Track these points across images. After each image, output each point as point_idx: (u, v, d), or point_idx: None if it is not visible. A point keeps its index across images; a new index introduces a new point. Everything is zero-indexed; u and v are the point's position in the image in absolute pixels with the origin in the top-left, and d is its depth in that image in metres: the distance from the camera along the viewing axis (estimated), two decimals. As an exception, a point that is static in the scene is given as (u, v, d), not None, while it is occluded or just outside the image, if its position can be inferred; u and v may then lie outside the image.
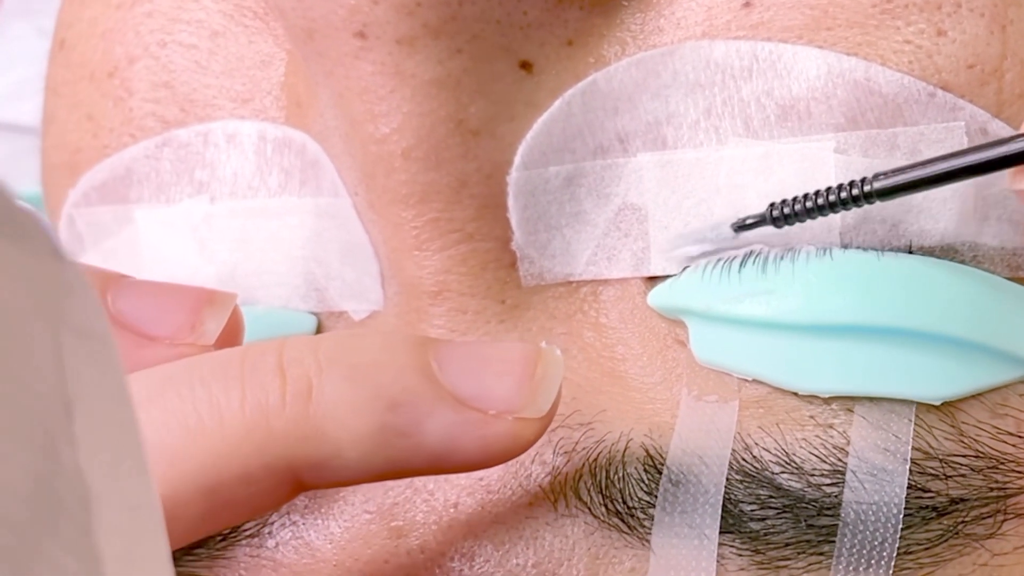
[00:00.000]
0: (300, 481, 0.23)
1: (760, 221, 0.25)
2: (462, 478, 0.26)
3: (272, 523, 0.27)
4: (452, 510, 0.26)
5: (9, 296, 0.13)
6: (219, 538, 0.28)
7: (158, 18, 0.30)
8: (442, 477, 0.26)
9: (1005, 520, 0.25)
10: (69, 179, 0.32)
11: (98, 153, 0.31)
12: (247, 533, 0.27)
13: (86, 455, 0.14)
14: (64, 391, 0.14)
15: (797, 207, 0.25)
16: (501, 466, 0.26)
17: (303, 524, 0.27)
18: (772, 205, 0.25)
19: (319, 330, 0.29)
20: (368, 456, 0.23)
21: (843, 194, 0.25)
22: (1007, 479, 0.25)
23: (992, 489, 0.25)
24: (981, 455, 0.25)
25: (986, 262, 0.26)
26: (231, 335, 0.26)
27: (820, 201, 0.25)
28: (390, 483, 0.26)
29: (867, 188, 0.25)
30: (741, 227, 0.26)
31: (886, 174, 0.25)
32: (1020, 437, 0.25)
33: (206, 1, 0.30)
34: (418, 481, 0.26)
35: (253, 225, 0.29)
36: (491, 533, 0.26)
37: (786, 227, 0.25)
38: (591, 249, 0.27)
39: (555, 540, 0.25)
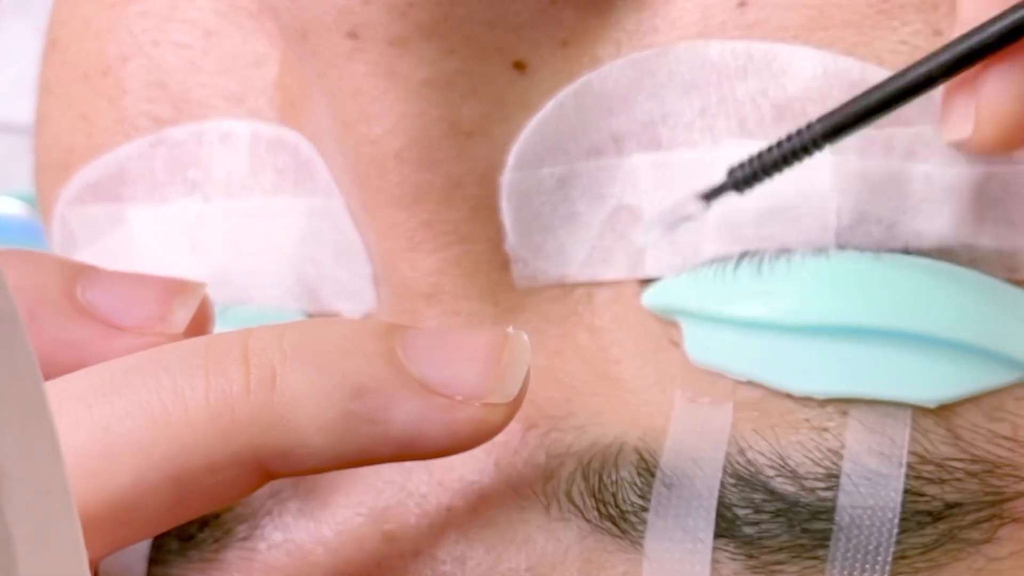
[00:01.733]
0: (267, 470, 0.23)
1: (723, 187, 0.25)
2: (455, 482, 0.26)
3: (264, 526, 0.27)
4: (444, 513, 0.26)
5: None
6: (212, 540, 0.27)
7: (152, 17, 0.30)
8: (435, 480, 0.26)
9: (1001, 525, 0.25)
10: (62, 178, 0.31)
11: (92, 152, 0.31)
12: (240, 536, 0.27)
13: None
14: None
15: (755, 165, 0.25)
16: (494, 469, 0.26)
17: (294, 527, 0.27)
18: (730, 169, 0.25)
19: None
20: (334, 444, 0.23)
21: (793, 142, 0.24)
22: (1003, 483, 0.25)
23: (988, 494, 0.25)
24: (977, 459, 0.25)
25: (983, 264, 0.26)
26: (200, 325, 0.26)
27: (775, 155, 0.25)
28: (381, 486, 0.26)
29: (813, 132, 0.24)
30: (707, 196, 0.25)
31: (830, 114, 0.24)
32: (1016, 441, 0.25)
33: (200, 0, 0.30)
34: (411, 484, 0.26)
35: (247, 225, 0.29)
36: (484, 536, 0.26)
37: (747, 190, 0.25)
38: (585, 250, 0.27)
39: (548, 543, 0.25)
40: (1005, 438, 0.25)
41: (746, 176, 0.25)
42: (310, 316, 0.29)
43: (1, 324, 0.14)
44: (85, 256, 0.31)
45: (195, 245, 0.30)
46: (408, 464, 0.26)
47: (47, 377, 0.24)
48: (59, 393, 0.23)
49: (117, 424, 0.22)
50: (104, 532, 0.22)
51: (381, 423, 0.23)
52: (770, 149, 0.25)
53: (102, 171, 0.31)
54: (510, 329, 0.24)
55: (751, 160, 0.25)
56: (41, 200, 0.33)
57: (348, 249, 0.28)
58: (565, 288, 0.27)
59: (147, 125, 0.30)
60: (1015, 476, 0.25)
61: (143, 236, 0.30)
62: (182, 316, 0.26)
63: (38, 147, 0.33)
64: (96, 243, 0.31)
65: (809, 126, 0.24)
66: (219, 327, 0.29)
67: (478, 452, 0.26)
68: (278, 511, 0.27)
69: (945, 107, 0.24)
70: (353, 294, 0.28)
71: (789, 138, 0.24)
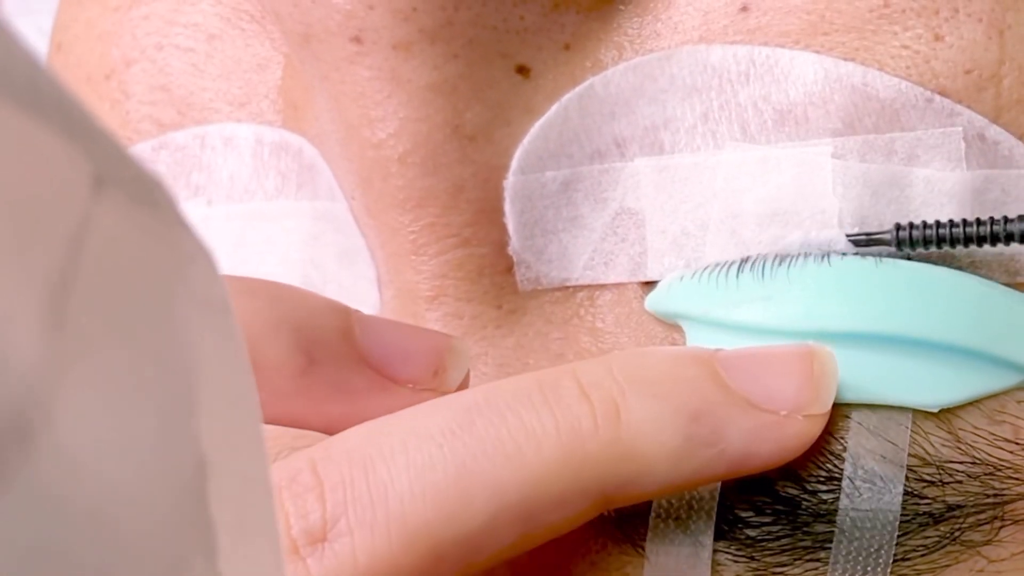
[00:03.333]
0: (607, 499, 0.24)
1: (881, 240, 0.25)
2: None
3: None
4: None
5: (134, 261, 0.13)
6: None
7: (155, 21, 0.30)
8: None
9: (1003, 527, 0.25)
10: None
11: None
12: None
13: (205, 423, 0.14)
14: (184, 358, 0.13)
15: (928, 232, 0.25)
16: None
17: None
18: (898, 227, 0.25)
19: None
20: (676, 469, 0.23)
21: (978, 228, 0.25)
22: (1004, 486, 0.25)
23: (989, 496, 0.25)
24: (978, 461, 0.25)
25: (984, 268, 0.26)
26: (466, 379, 0.26)
27: (951, 231, 0.25)
28: None
29: (1008, 228, 0.24)
30: (860, 242, 0.25)
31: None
32: (1018, 444, 0.25)
33: (203, 4, 0.30)
34: None
35: (250, 228, 0.29)
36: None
37: (907, 250, 0.25)
38: (588, 254, 0.27)
39: (551, 545, 0.25)
40: (1007, 440, 0.25)
41: (912, 240, 0.25)
42: None
43: (213, 315, 0.14)
44: None
45: None
46: None
47: (307, 421, 0.25)
48: (406, 431, 0.23)
49: (472, 463, 0.23)
50: (450, 571, 0.23)
51: (717, 444, 0.23)
52: (948, 224, 0.25)
53: None
54: (811, 342, 0.25)
55: (922, 225, 0.25)
56: None
57: (351, 252, 0.28)
58: (568, 291, 0.27)
59: (150, 129, 0.30)
60: (1016, 478, 0.25)
61: None
62: (455, 376, 0.26)
63: None
64: None
65: (1006, 220, 0.24)
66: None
67: None
68: None
69: None
70: (357, 297, 0.29)
71: (978, 222, 0.25)
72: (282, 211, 0.29)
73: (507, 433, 0.23)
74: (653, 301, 0.27)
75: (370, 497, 0.23)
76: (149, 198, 0.13)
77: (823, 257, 0.25)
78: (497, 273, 0.27)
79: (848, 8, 0.26)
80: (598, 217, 0.27)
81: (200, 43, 0.30)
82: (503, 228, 0.27)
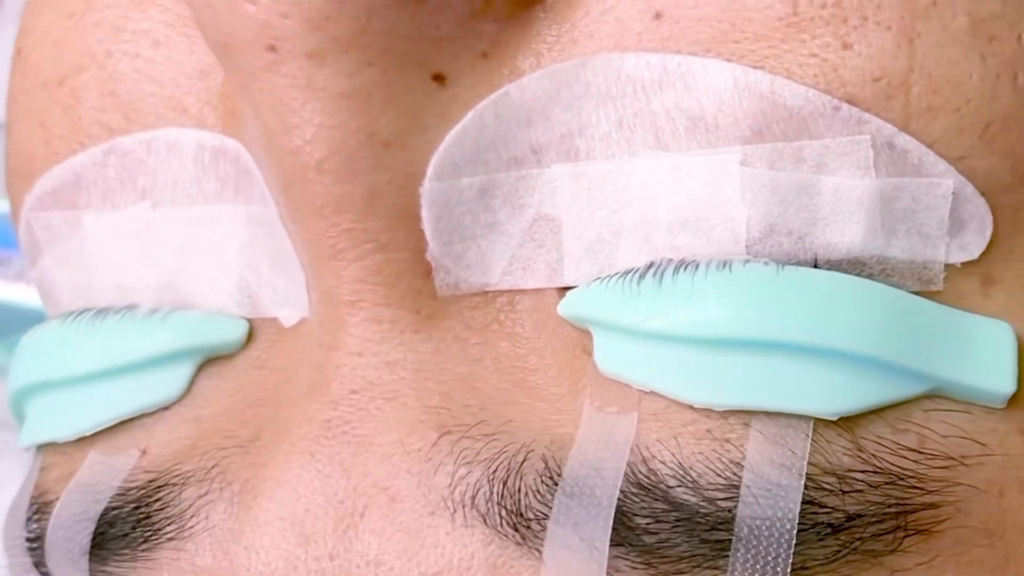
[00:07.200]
0: None
1: None
2: (370, 487, 0.26)
3: (192, 527, 0.28)
4: (359, 519, 0.26)
5: None
6: (142, 540, 0.28)
7: (105, 27, 0.31)
8: (351, 485, 0.27)
9: (906, 536, 0.25)
10: (26, 185, 0.32)
11: (50, 160, 0.32)
12: (168, 536, 0.28)
13: None
14: None
15: None
16: (407, 475, 0.26)
17: (219, 530, 0.27)
18: None
19: (251, 335, 0.30)
20: None
21: None
22: (907, 495, 0.25)
23: (891, 505, 0.25)
24: (880, 471, 0.25)
25: (896, 276, 0.26)
26: None
27: None
28: (302, 491, 0.27)
29: None
30: None
31: None
32: (922, 453, 0.25)
33: (151, 11, 0.31)
34: (328, 489, 0.27)
35: (192, 232, 0.30)
36: (396, 541, 0.26)
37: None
38: (507, 259, 0.27)
39: (455, 549, 0.26)
40: (911, 450, 0.25)
41: None
42: (250, 321, 0.30)
43: None
44: (47, 261, 0.32)
45: (144, 251, 0.30)
46: (326, 470, 0.27)
47: None
48: None
49: None
50: None
51: None
52: None
53: (59, 179, 0.31)
54: None
55: None
56: (12, 205, 0.34)
57: (283, 256, 0.29)
58: (488, 296, 0.28)
59: (100, 134, 0.31)
60: (920, 488, 0.25)
61: (97, 242, 0.31)
62: None
63: (6, 154, 0.34)
64: (56, 248, 0.32)
65: None
66: (160, 332, 0.30)
67: (394, 459, 0.26)
68: (205, 512, 0.28)
69: None
70: (289, 301, 0.29)
71: None
72: (221, 215, 0.29)
73: None
74: (565, 306, 0.27)
75: None
76: None
77: (724, 264, 0.25)
78: (416, 278, 0.27)
79: (758, 16, 0.25)
80: (516, 223, 0.27)
81: (146, 49, 0.31)
82: (421, 234, 0.27)
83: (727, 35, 0.26)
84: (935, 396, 0.25)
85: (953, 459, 0.25)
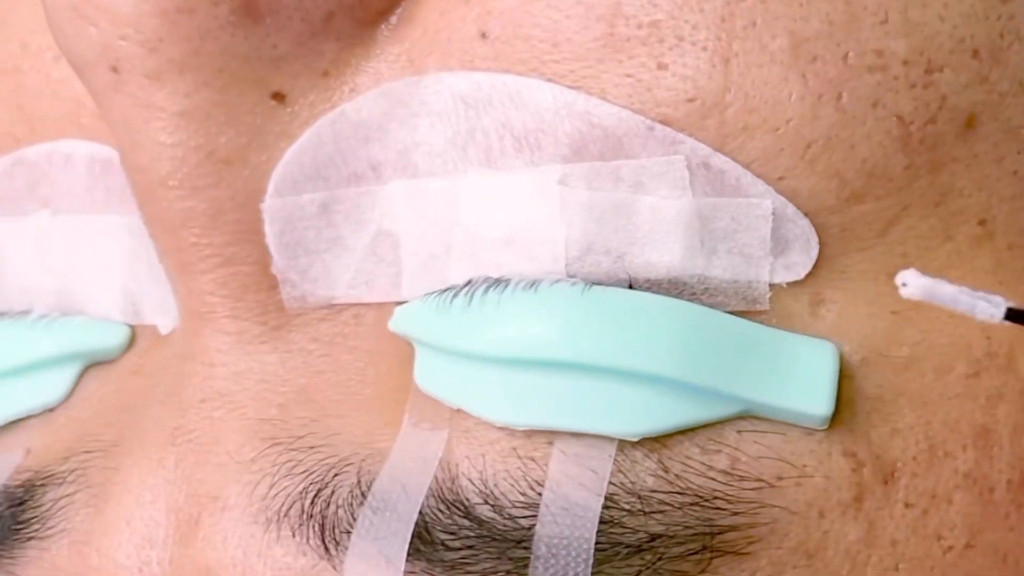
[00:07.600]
0: None
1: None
2: (203, 496, 0.27)
3: (52, 527, 0.29)
4: (195, 526, 0.27)
5: None
6: (13, 537, 0.29)
7: (14, 43, 0.32)
8: (190, 492, 0.27)
9: (715, 557, 0.25)
10: None
11: None
12: (31, 535, 0.29)
13: None
14: None
15: None
16: (238, 485, 0.27)
17: (76, 532, 0.29)
18: None
19: (132, 341, 0.31)
20: None
21: None
22: (713, 516, 0.25)
23: (696, 526, 0.25)
24: (686, 491, 0.25)
25: (719, 296, 0.26)
26: None
27: None
28: (148, 496, 0.28)
29: None
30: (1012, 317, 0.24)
31: None
32: (731, 474, 0.25)
33: None
34: (171, 495, 0.28)
35: (83, 240, 0.31)
36: (225, 549, 0.27)
37: None
38: (351, 273, 0.28)
39: (272, 560, 0.26)
40: (720, 471, 0.25)
41: None
42: (132, 327, 0.31)
43: None
44: None
45: (43, 257, 0.31)
46: (171, 476, 0.28)
47: None
48: None
49: None
50: None
51: None
52: None
53: None
54: None
55: None
56: None
57: (156, 266, 0.29)
58: (335, 309, 0.28)
59: (9, 144, 0.32)
60: (728, 509, 0.25)
61: (4, 249, 0.32)
62: None
63: None
64: None
65: None
66: (45, 337, 0.31)
67: (227, 468, 0.27)
68: (64, 514, 0.29)
69: None
70: (165, 309, 0.30)
71: None
72: (108, 225, 0.31)
73: None
74: (393, 322, 0.27)
75: None
76: None
77: (532, 284, 0.25)
78: (263, 290, 0.28)
79: (577, 37, 0.26)
80: (359, 238, 0.28)
81: (47, 63, 0.32)
82: (266, 248, 0.28)
83: (548, 55, 0.26)
84: (750, 417, 0.25)
85: (763, 481, 0.25)
